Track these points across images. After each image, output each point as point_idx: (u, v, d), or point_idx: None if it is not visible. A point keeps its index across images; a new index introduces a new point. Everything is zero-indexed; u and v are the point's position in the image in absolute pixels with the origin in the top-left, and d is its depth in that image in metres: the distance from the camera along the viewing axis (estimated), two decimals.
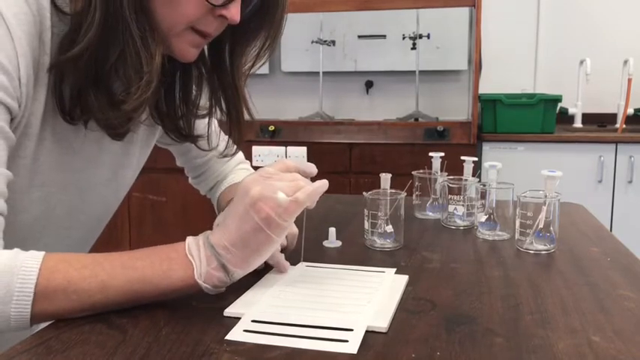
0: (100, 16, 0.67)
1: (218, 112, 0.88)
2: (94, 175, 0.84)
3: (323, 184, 0.71)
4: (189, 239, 0.69)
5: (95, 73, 0.71)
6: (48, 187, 0.78)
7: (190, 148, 1.03)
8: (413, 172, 1.18)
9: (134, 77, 0.71)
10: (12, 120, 0.68)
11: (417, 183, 1.18)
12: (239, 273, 0.69)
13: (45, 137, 0.74)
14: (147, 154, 0.96)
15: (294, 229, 0.88)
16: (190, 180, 1.14)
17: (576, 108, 3.04)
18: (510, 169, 1.22)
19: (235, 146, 0.95)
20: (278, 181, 0.70)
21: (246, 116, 0.89)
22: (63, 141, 0.77)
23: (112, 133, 0.76)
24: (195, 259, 0.67)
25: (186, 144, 1.03)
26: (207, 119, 0.92)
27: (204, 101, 0.89)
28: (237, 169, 1.11)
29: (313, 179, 0.74)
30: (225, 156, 0.98)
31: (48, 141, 0.75)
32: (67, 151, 0.78)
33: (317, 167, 0.77)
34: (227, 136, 0.92)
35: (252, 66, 0.85)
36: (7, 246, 0.65)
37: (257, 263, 0.71)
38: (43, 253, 0.64)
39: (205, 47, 0.83)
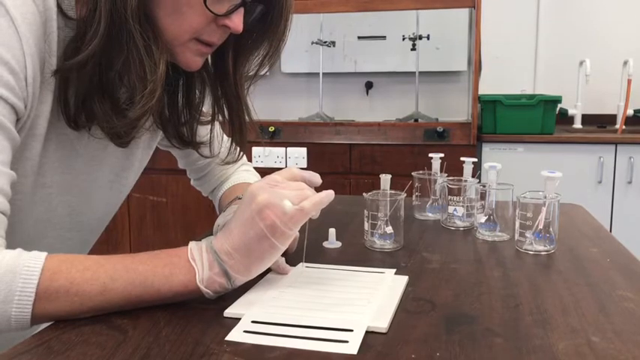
0: (105, 25, 0.67)
1: (220, 117, 0.88)
2: (96, 176, 0.85)
3: (329, 194, 0.72)
4: (192, 244, 0.69)
5: (99, 80, 0.71)
6: (50, 189, 0.78)
7: (192, 151, 1.03)
8: (413, 173, 1.18)
9: (138, 86, 0.71)
10: (17, 120, 0.68)
11: (416, 184, 1.18)
12: (240, 280, 0.69)
13: (50, 139, 0.74)
14: (148, 157, 0.96)
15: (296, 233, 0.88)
16: (192, 182, 1.14)
17: (576, 109, 3.04)
18: (510, 170, 1.23)
19: (238, 153, 0.95)
20: (285, 189, 0.70)
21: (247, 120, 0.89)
22: (67, 142, 0.77)
23: (116, 141, 0.76)
24: (197, 264, 0.67)
25: None
26: (209, 126, 0.92)
27: (206, 108, 0.89)
28: (239, 171, 1.11)
29: (317, 190, 0.74)
30: (227, 163, 0.98)
31: (52, 143, 0.75)
32: (71, 152, 0.79)
33: (317, 168, 0.78)
34: (229, 143, 0.92)
35: (255, 74, 0.86)
36: (10, 246, 0.65)
37: (259, 270, 0.71)
38: (45, 253, 0.64)
39: (209, 55, 0.83)
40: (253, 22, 0.79)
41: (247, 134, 0.89)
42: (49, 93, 0.71)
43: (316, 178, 0.77)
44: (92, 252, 0.77)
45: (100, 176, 0.85)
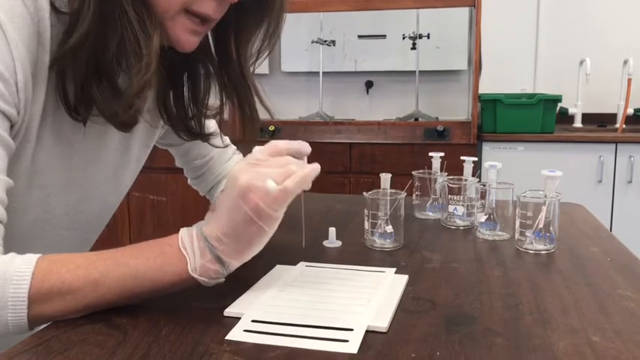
0: (96, 4, 0.67)
1: (229, 104, 0.87)
2: (93, 174, 0.84)
3: (314, 168, 0.68)
4: (183, 232, 0.68)
5: (96, 64, 0.70)
6: (48, 188, 0.78)
7: (189, 150, 1.02)
8: (413, 172, 1.18)
9: (134, 61, 0.70)
10: (12, 127, 0.68)
11: (417, 183, 1.18)
12: (234, 264, 0.68)
13: (44, 137, 0.74)
14: (146, 155, 0.96)
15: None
16: (190, 181, 1.13)
17: (576, 108, 3.04)
18: (510, 169, 1.22)
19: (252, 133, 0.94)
20: (267, 167, 0.67)
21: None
22: (62, 140, 0.77)
23: (117, 123, 0.74)
24: (188, 252, 0.66)
25: (186, 145, 1.02)
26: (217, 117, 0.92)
27: (213, 100, 0.89)
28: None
29: (309, 160, 0.71)
30: (239, 141, 0.97)
31: (47, 141, 0.75)
32: (67, 150, 0.78)
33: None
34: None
35: (258, 56, 0.85)
36: (8, 246, 0.65)
37: (252, 253, 0.69)
38: (37, 255, 0.64)
39: (211, 42, 0.82)
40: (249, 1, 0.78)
41: (259, 119, 0.88)
42: (41, 91, 0.70)
43: (305, 147, 0.73)
44: (92, 251, 0.77)
45: (97, 173, 0.85)
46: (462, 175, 1.11)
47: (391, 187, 1.01)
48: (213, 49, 0.85)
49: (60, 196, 0.80)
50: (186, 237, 0.67)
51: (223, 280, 0.69)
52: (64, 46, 0.68)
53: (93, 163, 0.83)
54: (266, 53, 0.85)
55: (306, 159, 0.72)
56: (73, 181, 0.81)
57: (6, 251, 0.65)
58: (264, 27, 0.82)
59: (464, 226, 1.08)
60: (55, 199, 0.80)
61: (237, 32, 0.84)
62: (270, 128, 2.91)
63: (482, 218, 1.02)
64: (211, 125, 0.94)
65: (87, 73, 0.70)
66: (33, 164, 0.74)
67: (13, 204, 0.70)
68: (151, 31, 0.70)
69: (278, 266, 0.83)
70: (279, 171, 0.66)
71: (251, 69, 0.85)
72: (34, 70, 0.69)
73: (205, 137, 0.92)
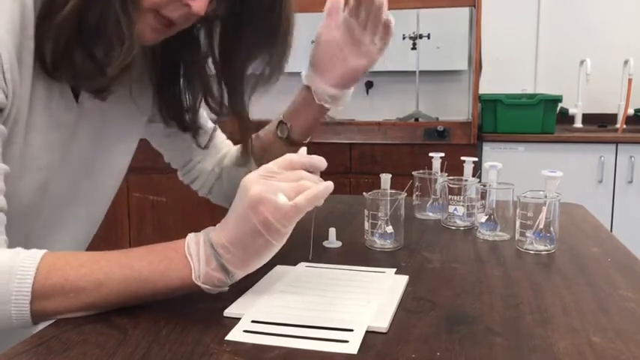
0: None
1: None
2: (87, 154, 0.84)
3: (327, 186, 0.67)
4: (190, 237, 0.68)
5: (77, 34, 0.70)
6: (42, 172, 0.77)
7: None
8: (413, 173, 1.18)
9: (116, 43, 0.70)
10: (1, 111, 0.68)
11: (417, 183, 1.18)
12: (239, 274, 0.68)
13: (35, 121, 0.74)
14: (138, 133, 0.96)
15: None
16: (181, 170, 1.13)
17: (576, 108, 3.04)
18: (511, 170, 1.22)
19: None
20: (281, 181, 0.66)
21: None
22: (55, 122, 0.77)
23: (91, 91, 0.76)
24: (193, 259, 0.66)
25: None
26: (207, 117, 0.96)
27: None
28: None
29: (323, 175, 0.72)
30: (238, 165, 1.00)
31: (40, 125, 0.74)
32: (59, 130, 0.78)
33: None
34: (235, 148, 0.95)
35: (257, 81, 0.89)
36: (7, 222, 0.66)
37: (257, 265, 0.69)
38: (43, 251, 0.64)
39: (165, 35, 0.78)
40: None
41: (249, 129, 0.90)
42: (27, 74, 0.70)
43: (320, 162, 0.72)
44: (92, 249, 0.76)
45: (93, 155, 0.85)
46: (462, 175, 1.11)
47: (391, 188, 1.01)
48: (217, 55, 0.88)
49: (55, 180, 0.80)
50: (193, 243, 0.67)
51: (227, 288, 0.68)
52: (45, 17, 0.68)
53: (88, 143, 0.83)
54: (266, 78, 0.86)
55: (319, 174, 0.71)
56: (69, 161, 0.81)
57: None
58: (266, 56, 0.84)
59: (464, 227, 1.08)
60: (51, 184, 0.79)
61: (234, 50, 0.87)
62: None
63: (483, 219, 1.02)
64: (206, 124, 0.98)
65: (67, 41, 0.70)
66: (25, 147, 0.74)
67: (7, 187, 0.70)
68: (134, 16, 0.70)
69: (278, 267, 0.83)
70: (291, 185, 0.66)
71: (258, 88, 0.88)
72: (19, 54, 0.69)
73: (196, 130, 0.95)
